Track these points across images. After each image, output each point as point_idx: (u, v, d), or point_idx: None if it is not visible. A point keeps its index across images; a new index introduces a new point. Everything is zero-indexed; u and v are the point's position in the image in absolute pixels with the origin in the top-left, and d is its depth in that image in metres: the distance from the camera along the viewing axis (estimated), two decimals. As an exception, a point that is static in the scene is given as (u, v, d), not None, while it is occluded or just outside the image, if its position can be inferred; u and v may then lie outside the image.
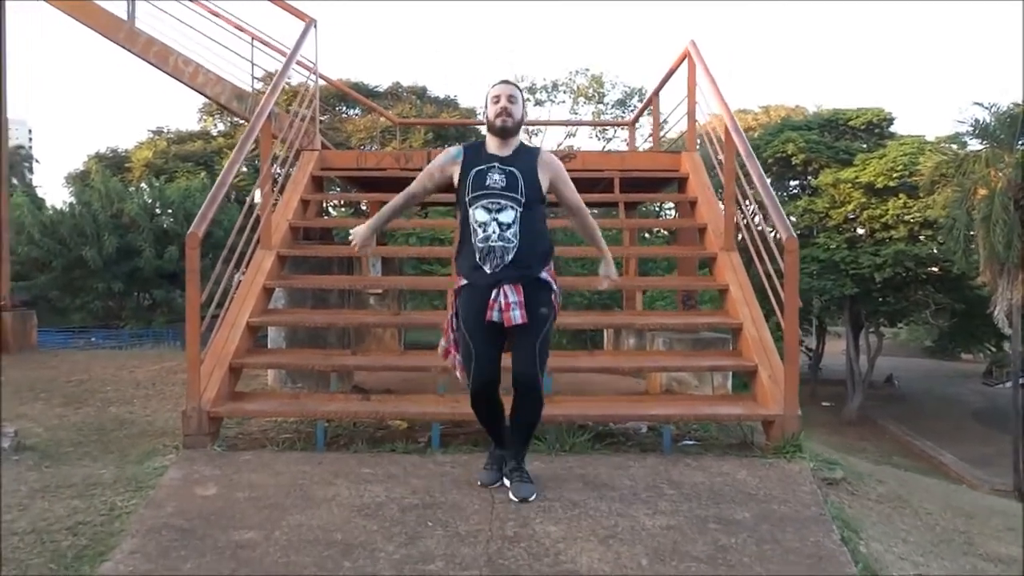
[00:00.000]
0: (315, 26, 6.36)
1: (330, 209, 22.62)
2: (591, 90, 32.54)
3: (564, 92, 33.57)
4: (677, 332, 5.76)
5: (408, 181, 6.67)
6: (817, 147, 30.13)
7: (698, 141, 6.58)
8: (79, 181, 31.13)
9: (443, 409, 4.12)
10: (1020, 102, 20.61)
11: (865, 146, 30.39)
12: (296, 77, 6.92)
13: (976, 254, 20.96)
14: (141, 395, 6.14)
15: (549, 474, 3.65)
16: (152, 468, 3.77)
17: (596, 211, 7.36)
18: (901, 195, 27.36)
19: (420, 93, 34.86)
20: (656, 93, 7.64)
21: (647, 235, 21.66)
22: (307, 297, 5.94)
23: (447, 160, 3.39)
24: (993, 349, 37.21)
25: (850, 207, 28.98)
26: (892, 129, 32.10)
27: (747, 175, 4.81)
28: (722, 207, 5.83)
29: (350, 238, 3.43)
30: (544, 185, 3.31)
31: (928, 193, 24.14)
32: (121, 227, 25.35)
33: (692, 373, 5.49)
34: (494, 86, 3.35)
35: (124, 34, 6.58)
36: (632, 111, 32.57)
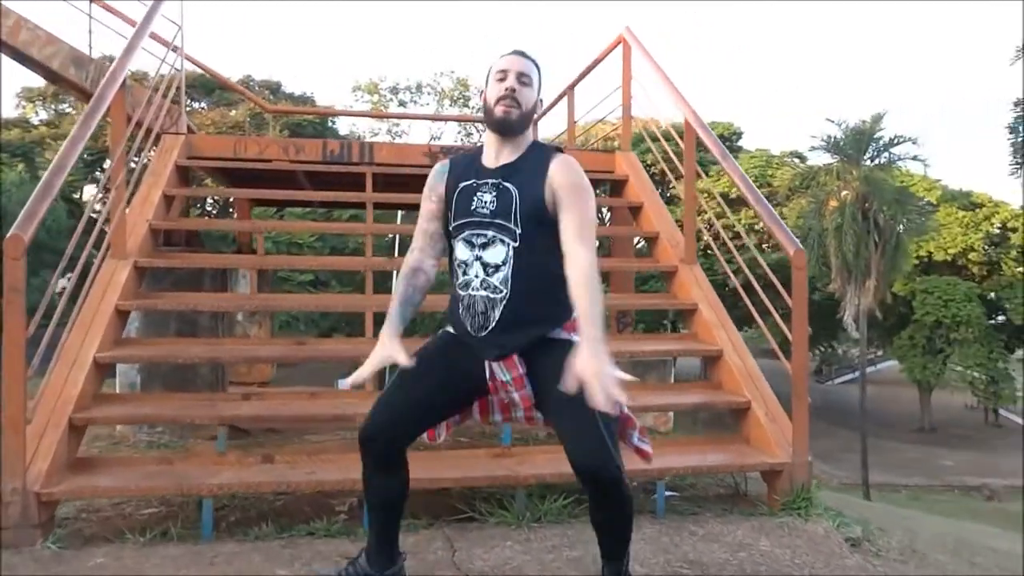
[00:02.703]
0: (179, -20, 5.12)
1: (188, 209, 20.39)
2: (457, 92, 31.73)
3: (428, 94, 32.61)
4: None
5: (299, 176, 5.66)
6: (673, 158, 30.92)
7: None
8: None
9: (376, 472, 3.11)
10: (866, 120, 21.88)
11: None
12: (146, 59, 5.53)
13: (827, 262, 22.04)
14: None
15: (535, 562, 2.76)
16: (-52, 589, 2.53)
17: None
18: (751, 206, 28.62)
19: (275, 88, 32.67)
20: (572, 87, 6.94)
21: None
22: (169, 319, 4.70)
23: (435, 179, 2.33)
24: (823, 349, 40.09)
25: (705, 216, 29.94)
26: (740, 143, 33.61)
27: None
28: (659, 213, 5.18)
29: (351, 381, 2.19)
30: (549, 200, 2.19)
31: (781, 204, 25.23)
32: (-85, 226, 21.79)
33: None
34: (502, 57, 2.28)
35: (-87, -25, 5.01)
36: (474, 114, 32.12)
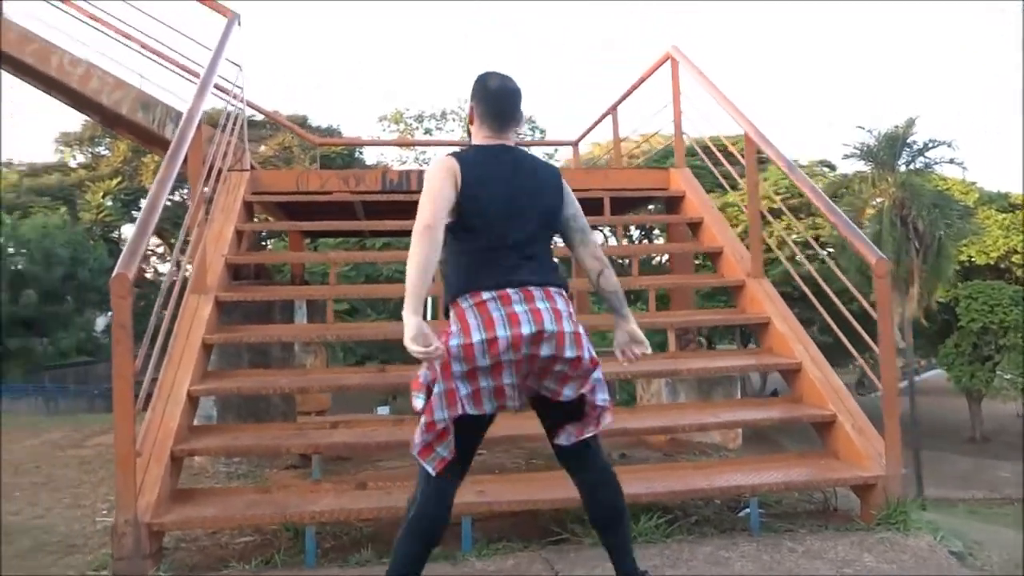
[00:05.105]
0: (239, 22, 5.27)
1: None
2: (483, 117, 31.93)
3: (454, 120, 32.93)
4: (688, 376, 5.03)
5: (356, 207, 5.74)
6: (701, 172, 30.76)
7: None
8: (-87, 219, 27.39)
9: (470, 496, 3.13)
10: (899, 125, 21.67)
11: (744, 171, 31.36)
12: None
13: (865, 271, 21.77)
14: (24, 484, 4.78)
15: (643, 582, 2.75)
16: (73, 621, 2.59)
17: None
18: (783, 217, 28.36)
19: (301, 122, 33.24)
20: (615, 107, 7.00)
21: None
22: (243, 351, 4.79)
23: None
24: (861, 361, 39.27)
25: (738, 229, 29.67)
26: (764, 155, 33.27)
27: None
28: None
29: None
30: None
31: (814, 214, 25.04)
32: (-34, 269, 22.39)
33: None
34: None
35: (-12, 29, 5.22)
36: (522, 139, 32.34)
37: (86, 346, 26.43)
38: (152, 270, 27.04)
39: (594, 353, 2.32)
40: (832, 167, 29.10)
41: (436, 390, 2.22)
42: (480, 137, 2.43)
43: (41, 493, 4.52)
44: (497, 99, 2.42)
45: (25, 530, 3.79)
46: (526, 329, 2.20)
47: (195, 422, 4.63)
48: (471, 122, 2.45)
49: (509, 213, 2.32)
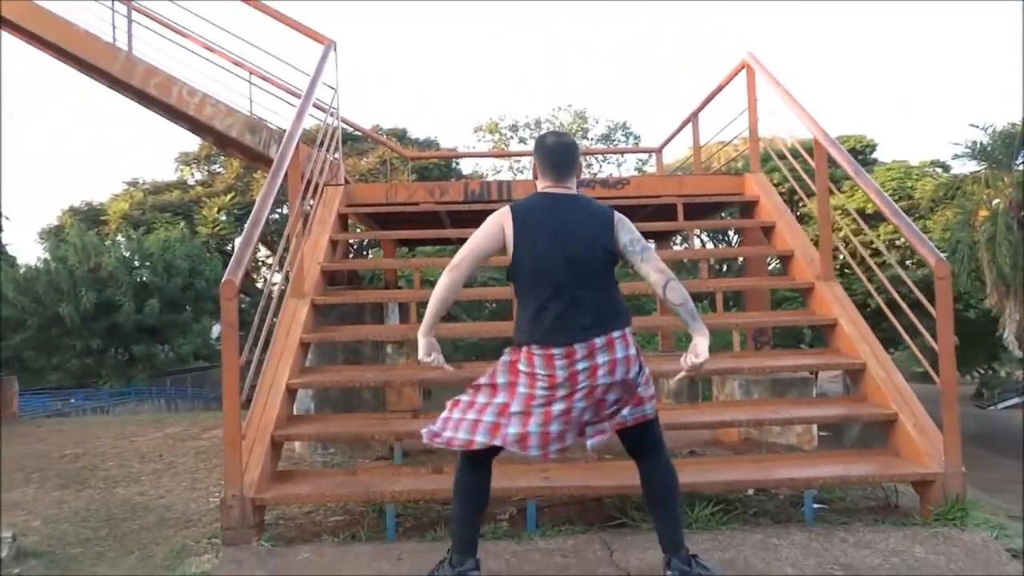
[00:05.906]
0: (335, 48, 5.75)
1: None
2: (575, 126, 32.31)
3: (548, 129, 33.37)
4: (749, 375, 5.13)
5: (442, 216, 6.13)
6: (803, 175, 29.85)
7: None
8: (53, 236, 30.06)
9: (536, 482, 3.41)
10: (1016, 123, 20.48)
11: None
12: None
13: (980, 276, 20.62)
14: (149, 470, 5.35)
15: (690, 563, 2.94)
16: (189, 577, 3.01)
17: (652, 241, 6.72)
18: (888, 222, 27.18)
19: (400, 135, 34.41)
20: (695, 114, 7.11)
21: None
22: (337, 350, 5.22)
23: None
24: (982, 371, 36.99)
25: (840, 234, 28.66)
26: (874, 156, 32.08)
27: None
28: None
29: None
30: None
31: (923, 217, 23.93)
32: (99, 282, 24.38)
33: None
34: None
35: (120, 64, 5.91)
36: (615, 145, 32.48)
37: (203, 352, 28.20)
38: (262, 279, 28.63)
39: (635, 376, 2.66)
40: (946, 168, 27.85)
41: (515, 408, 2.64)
42: (543, 186, 2.76)
43: (164, 478, 5.07)
44: (554, 153, 2.75)
45: (150, 508, 4.30)
46: (602, 379, 2.60)
47: (294, 413, 5.13)
48: (536, 176, 2.79)
49: (557, 252, 2.61)
